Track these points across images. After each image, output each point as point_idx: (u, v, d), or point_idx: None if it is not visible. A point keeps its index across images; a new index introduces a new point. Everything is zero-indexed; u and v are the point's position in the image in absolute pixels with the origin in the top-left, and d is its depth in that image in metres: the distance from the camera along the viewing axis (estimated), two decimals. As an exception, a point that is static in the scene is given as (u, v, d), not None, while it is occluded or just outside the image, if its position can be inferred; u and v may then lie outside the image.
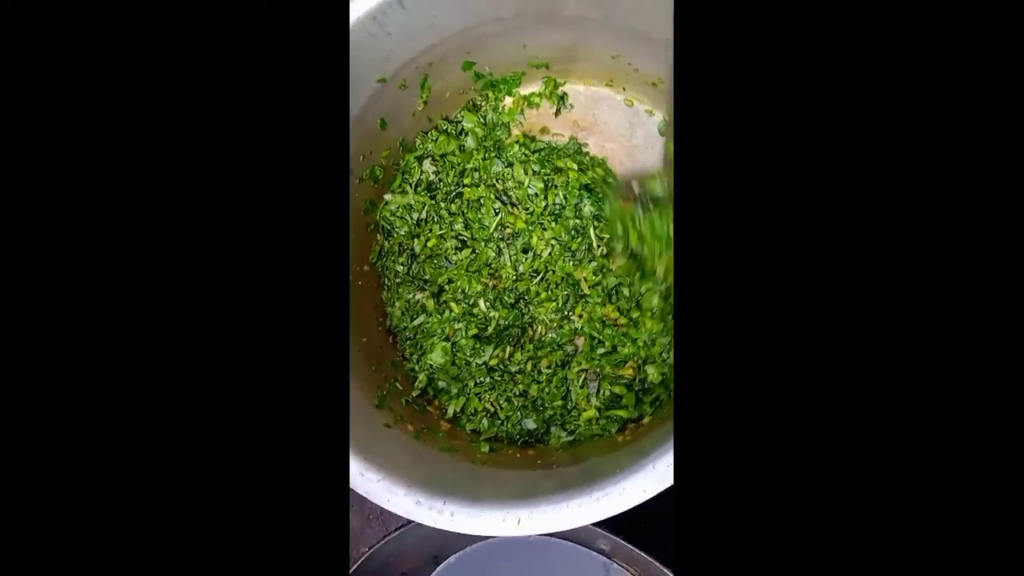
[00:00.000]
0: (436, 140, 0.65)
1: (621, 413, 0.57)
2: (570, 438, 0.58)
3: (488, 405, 0.60)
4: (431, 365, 0.61)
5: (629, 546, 0.53)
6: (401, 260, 0.64)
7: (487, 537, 0.51)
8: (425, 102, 0.63)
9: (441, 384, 0.61)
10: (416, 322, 0.62)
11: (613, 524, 0.45)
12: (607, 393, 0.58)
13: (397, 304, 0.63)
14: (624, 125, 0.66)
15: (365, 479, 0.48)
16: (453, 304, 0.62)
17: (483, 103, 0.67)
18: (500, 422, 0.59)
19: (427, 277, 0.63)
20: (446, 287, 0.63)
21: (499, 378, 0.60)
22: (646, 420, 0.56)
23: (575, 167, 0.63)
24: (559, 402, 0.59)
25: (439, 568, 0.57)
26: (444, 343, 0.61)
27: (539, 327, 0.62)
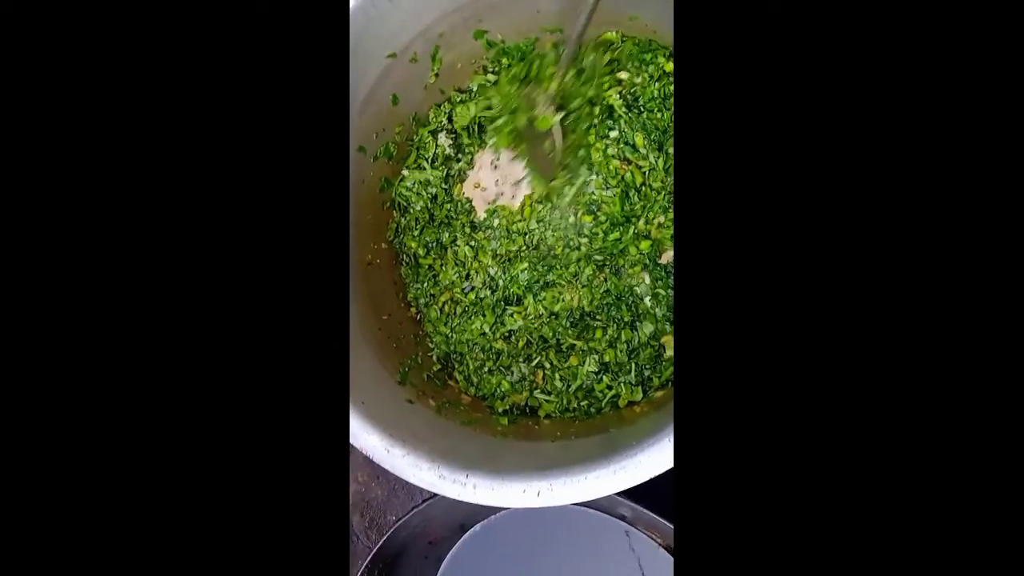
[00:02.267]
0: (457, 112, 0.64)
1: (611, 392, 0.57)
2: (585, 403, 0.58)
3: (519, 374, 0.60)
4: (448, 337, 0.62)
5: (650, 513, 0.54)
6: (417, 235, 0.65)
7: (505, 507, 0.53)
8: (436, 74, 0.62)
9: (461, 351, 0.62)
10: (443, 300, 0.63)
11: (635, 492, 0.46)
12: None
13: (418, 283, 0.64)
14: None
15: (391, 455, 0.49)
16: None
17: (496, 69, 0.66)
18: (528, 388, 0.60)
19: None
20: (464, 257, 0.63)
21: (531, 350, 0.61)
22: (660, 393, 0.56)
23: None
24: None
25: (465, 536, 0.58)
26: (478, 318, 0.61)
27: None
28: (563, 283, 0.60)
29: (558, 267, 0.61)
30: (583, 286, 0.60)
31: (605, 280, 0.59)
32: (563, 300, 0.60)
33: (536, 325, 0.60)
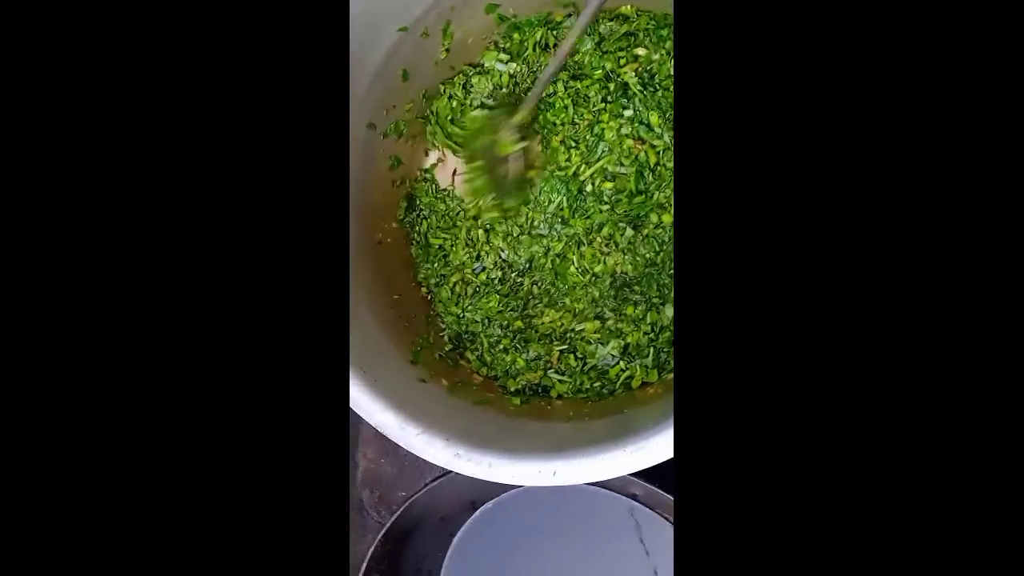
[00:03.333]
0: (475, 84, 0.63)
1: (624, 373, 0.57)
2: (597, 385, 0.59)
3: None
4: (460, 317, 0.62)
5: (659, 491, 0.55)
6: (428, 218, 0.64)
7: (520, 485, 0.53)
8: (447, 49, 0.61)
9: (474, 331, 0.62)
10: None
11: (646, 471, 0.46)
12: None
13: (429, 263, 0.64)
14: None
15: (405, 432, 0.49)
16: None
17: (507, 46, 0.65)
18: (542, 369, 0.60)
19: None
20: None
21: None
22: (672, 376, 0.57)
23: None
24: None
25: (477, 513, 0.59)
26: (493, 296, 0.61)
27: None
28: (597, 246, 0.60)
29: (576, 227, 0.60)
30: (625, 252, 0.59)
31: (645, 239, 0.59)
32: (604, 263, 0.59)
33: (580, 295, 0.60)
